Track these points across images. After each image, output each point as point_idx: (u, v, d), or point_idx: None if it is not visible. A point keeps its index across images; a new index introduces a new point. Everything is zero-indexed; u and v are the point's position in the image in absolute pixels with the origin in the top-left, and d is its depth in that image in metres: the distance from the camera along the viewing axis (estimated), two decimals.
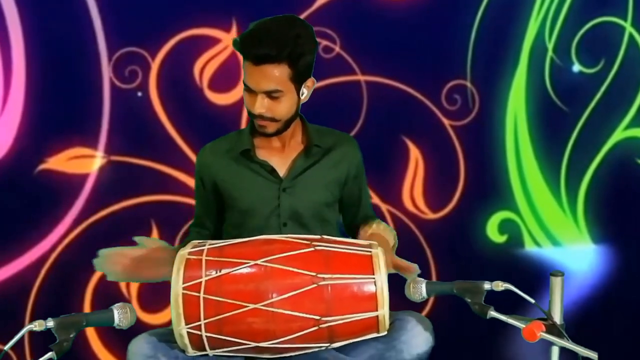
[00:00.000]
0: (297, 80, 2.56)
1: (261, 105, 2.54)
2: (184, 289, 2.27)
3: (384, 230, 2.71)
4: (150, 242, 2.68)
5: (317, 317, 2.25)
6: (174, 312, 2.27)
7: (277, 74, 2.52)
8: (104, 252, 2.65)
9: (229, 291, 2.27)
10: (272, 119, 2.58)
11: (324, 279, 2.26)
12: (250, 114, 2.60)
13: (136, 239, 2.69)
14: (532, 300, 2.26)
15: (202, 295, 2.26)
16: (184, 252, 2.36)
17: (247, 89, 2.56)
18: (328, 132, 2.79)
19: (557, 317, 2.29)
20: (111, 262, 2.63)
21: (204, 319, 2.26)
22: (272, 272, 2.28)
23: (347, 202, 2.82)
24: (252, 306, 2.25)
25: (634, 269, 4.41)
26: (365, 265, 2.30)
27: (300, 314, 2.25)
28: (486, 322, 2.37)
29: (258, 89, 2.53)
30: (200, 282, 2.28)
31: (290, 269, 2.27)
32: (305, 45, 2.55)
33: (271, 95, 2.53)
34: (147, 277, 2.65)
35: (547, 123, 4.37)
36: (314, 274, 2.27)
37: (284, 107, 2.58)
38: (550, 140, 4.39)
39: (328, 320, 2.26)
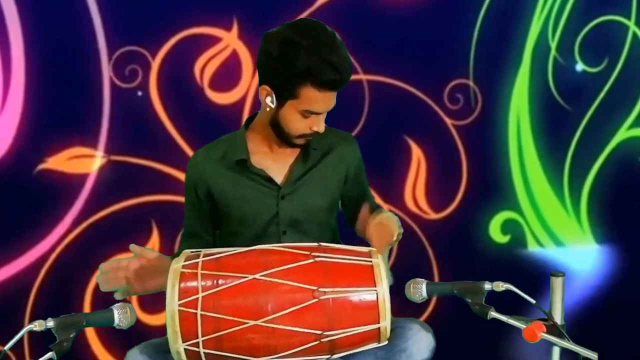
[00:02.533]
0: None
1: (322, 122, 2.55)
2: (180, 305, 2.18)
3: (388, 219, 2.54)
4: (147, 252, 2.53)
5: (319, 332, 2.19)
6: (170, 330, 2.18)
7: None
8: (103, 268, 2.49)
9: (227, 307, 2.18)
10: None
11: (324, 292, 2.19)
12: (303, 135, 2.55)
13: (132, 248, 2.54)
14: (533, 301, 2.25)
15: (199, 312, 2.17)
16: (177, 266, 2.25)
17: (310, 114, 2.50)
18: (326, 132, 2.68)
19: (558, 318, 2.28)
20: (115, 278, 2.48)
21: (202, 336, 2.18)
22: (271, 286, 2.20)
23: (348, 201, 2.78)
24: (252, 322, 2.17)
25: (637, 270, 4.39)
26: (366, 276, 2.23)
27: (302, 329, 2.18)
28: (488, 325, 2.36)
29: (328, 109, 2.52)
30: (197, 298, 2.19)
31: (290, 283, 2.20)
32: None
33: None
34: (151, 288, 2.52)
35: (550, 123, 4.36)
36: (314, 287, 2.19)
37: None
38: (553, 139, 4.38)
39: (330, 334, 2.20)
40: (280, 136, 2.58)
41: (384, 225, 2.49)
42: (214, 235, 2.77)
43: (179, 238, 2.92)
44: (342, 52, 2.45)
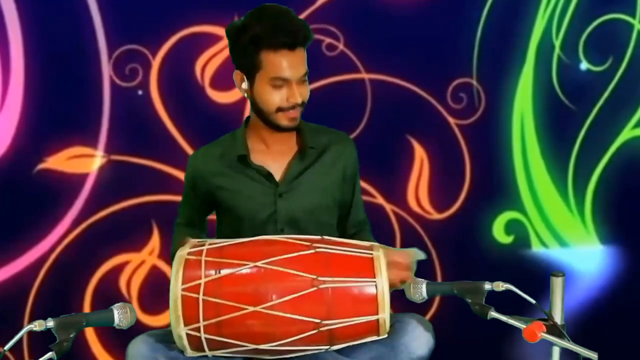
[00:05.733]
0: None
1: (298, 93, 2.53)
2: (183, 290, 2.24)
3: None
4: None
5: (318, 320, 2.22)
6: (173, 314, 2.24)
7: (304, 57, 2.55)
8: None
9: (228, 293, 2.23)
10: (302, 104, 2.56)
11: (324, 281, 2.23)
12: (281, 109, 2.54)
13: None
14: (533, 301, 2.26)
15: (201, 297, 2.23)
16: (182, 253, 2.32)
17: (279, 83, 2.51)
18: (323, 131, 2.74)
19: (558, 318, 2.28)
20: None
21: (203, 321, 2.23)
22: (272, 274, 2.24)
23: (340, 203, 2.76)
24: (251, 309, 2.21)
25: None
26: (366, 268, 2.26)
27: (301, 317, 2.22)
28: (490, 326, 2.35)
29: (296, 76, 2.52)
30: (200, 283, 2.24)
31: (291, 271, 2.24)
32: (311, 33, 2.58)
33: (302, 79, 2.54)
34: None
35: (554, 122, 4.34)
36: (314, 276, 2.23)
37: (308, 90, 2.59)
38: (557, 139, 4.36)
39: (328, 323, 2.23)
40: (265, 120, 2.60)
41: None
42: (206, 226, 2.83)
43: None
44: (289, 14, 2.53)
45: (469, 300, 2.26)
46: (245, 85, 2.57)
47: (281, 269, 2.24)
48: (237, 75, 2.59)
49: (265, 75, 2.51)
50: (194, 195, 2.74)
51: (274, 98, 2.53)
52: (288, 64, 2.49)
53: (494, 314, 2.22)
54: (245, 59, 2.54)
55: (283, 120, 2.56)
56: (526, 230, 4.37)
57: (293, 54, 2.50)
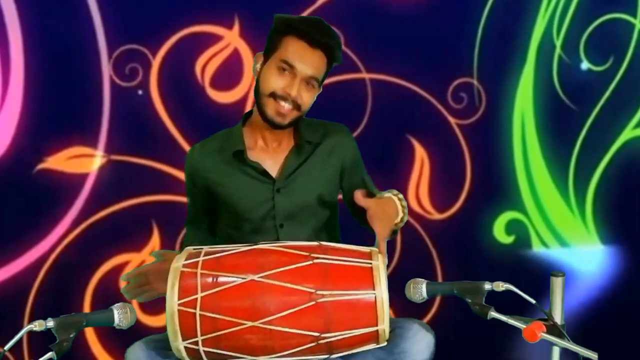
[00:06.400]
0: (323, 80, 2.62)
1: (297, 89, 2.54)
2: (179, 305, 2.20)
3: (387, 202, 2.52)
4: (168, 254, 2.55)
5: (316, 334, 2.19)
6: (170, 328, 2.21)
7: (323, 64, 2.58)
8: (126, 277, 2.53)
9: (226, 308, 2.20)
10: (298, 107, 2.57)
11: (323, 295, 2.19)
12: (274, 95, 2.56)
13: (153, 253, 2.59)
14: (533, 301, 2.25)
15: (198, 312, 2.20)
16: (177, 265, 2.27)
17: (286, 68, 2.55)
18: (318, 124, 2.74)
19: (558, 318, 2.27)
20: (138, 284, 2.52)
21: (201, 335, 2.20)
22: (269, 288, 2.20)
23: (348, 192, 2.72)
24: (249, 324, 2.18)
25: None
26: (365, 279, 2.22)
27: (299, 331, 2.19)
28: (491, 327, 2.35)
29: (303, 71, 2.54)
30: (196, 298, 2.21)
31: (288, 285, 2.20)
32: (340, 55, 2.62)
33: (309, 82, 2.56)
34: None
35: (555, 122, 4.34)
36: (312, 290, 2.19)
37: (311, 98, 2.60)
38: (558, 139, 4.36)
39: (327, 336, 2.20)
40: (259, 105, 2.62)
41: (384, 206, 2.45)
42: (214, 222, 2.80)
43: (184, 230, 2.91)
44: (330, 29, 2.59)
45: (469, 300, 2.25)
46: (259, 65, 2.62)
47: (279, 282, 2.21)
48: (259, 57, 2.64)
49: (277, 57, 2.55)
50: (195, 190, 2.74)
51: (273, 80, 2.56)
52: (301, 55, 2.54)
53: (494, 314, 2.21)
54: (271, 40, 2.59)
55: (271, 108, 2.57)
56: (527, 230, 4.37)
57: (311, 51, 2.54)
